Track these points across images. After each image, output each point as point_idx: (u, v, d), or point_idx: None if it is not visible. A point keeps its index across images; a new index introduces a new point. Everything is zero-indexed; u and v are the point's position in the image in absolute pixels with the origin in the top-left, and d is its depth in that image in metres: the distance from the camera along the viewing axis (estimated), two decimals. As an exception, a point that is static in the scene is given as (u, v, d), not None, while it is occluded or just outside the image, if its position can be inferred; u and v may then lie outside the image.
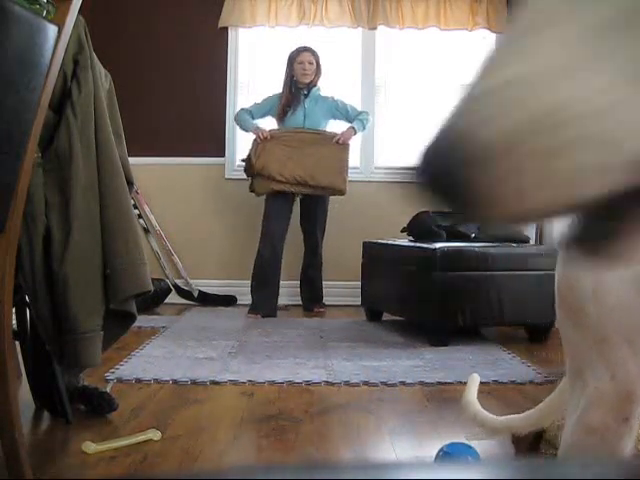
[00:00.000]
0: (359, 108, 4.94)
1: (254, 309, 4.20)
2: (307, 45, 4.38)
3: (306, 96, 4.34)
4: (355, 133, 4.34)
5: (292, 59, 4.32)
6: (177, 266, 4.78)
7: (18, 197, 1.39)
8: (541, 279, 3.46)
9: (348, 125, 4.36)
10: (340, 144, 4.26)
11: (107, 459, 1.69)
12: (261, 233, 4.28)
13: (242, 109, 4.44)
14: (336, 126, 4.43)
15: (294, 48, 4.36)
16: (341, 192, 4.31)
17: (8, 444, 1.38)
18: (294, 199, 4.33)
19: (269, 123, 4.44)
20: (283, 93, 4.34)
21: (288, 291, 4.57)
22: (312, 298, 4.45)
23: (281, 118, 4.36)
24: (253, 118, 4.40)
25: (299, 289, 4.52)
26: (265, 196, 4.28)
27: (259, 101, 4.47)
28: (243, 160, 4.36)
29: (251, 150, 4.29)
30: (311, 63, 4.30)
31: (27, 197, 1.47)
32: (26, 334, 1.93)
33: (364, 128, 4.41)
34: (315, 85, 4.37)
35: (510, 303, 3.38)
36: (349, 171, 4.93)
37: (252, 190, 4.32)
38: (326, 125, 4.42)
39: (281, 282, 4.40)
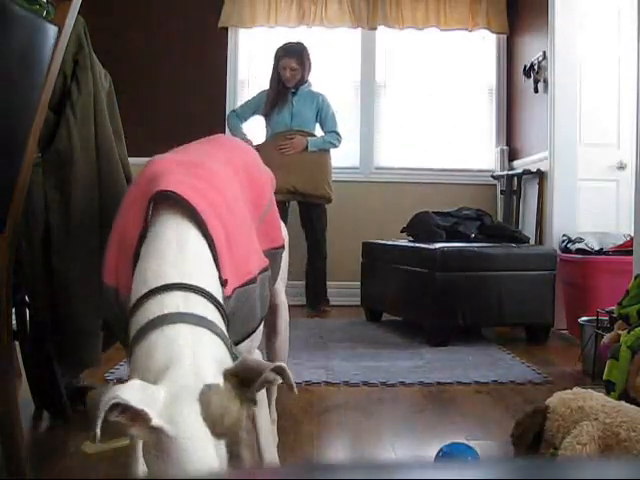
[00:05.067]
0: (359, 109, 4.93)
1: None
2: (293, 45, 4.27)
3: (294, 94, 4.29)
4: (306, 147, 4.24)
5: (278, 59, 4.25)
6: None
7: (18, 196, 1.39)
8: (541, 279, 3.47)
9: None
10: (282, 151, 4.20)
11: (107, 459, 1.69)
12: None
13: (232, 112, 4.43)
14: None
15: (281, 45, 4.28)
16: (327, 199, 4.29)
17: (8, 444, 1.38)
18: (287, 206, 4.26)
19: (259, 122, 4.41)
20: (270, 89, 4.29)
21: (290, 291, 4.57)
22: (318, 297, 4.43)
23: (267, 117, 4.32)
24: (241, 120, 4.37)
25: (304, 289, 4.49)
26: None
27: (250, 98, 4.44)
28: None
29: None
30: (294, 69, 4.22)
31: (27, 196, 1.47)
32: (26, 334, 1.93)
33: (322, 146, 4.29)
34: (304, 82, 4.30)
35: (510, 303, 3.38)
36: (348, 172, 4.91)
37: None
38: (315, 124, 4.36)
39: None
